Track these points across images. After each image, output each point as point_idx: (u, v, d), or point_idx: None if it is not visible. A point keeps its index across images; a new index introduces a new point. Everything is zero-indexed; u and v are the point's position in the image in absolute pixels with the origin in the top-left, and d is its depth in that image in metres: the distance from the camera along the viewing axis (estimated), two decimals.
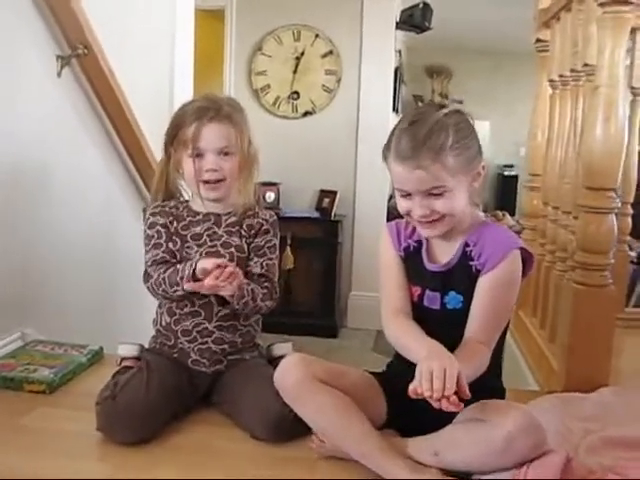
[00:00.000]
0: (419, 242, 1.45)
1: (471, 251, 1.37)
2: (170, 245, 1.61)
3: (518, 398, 1.56)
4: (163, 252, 1.60)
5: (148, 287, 1.58)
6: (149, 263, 1.60)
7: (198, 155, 1.56)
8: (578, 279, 1.78)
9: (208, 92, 1.70)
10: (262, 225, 1.65)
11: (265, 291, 1.59)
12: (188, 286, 1.48)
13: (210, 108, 1.56)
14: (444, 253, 1.42)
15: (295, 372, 1.35)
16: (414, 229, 1.46)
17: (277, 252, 1.68)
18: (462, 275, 1.37)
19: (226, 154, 1.58)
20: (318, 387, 1.33)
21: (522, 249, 1.36)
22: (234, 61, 4.50)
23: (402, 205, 1.36)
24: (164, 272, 1.54)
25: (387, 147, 1.34)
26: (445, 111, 1.33)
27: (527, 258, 1.38)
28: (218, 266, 1.45)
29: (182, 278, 1.49)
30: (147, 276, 1.59)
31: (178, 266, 1.53)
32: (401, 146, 1.30)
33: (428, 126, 1.29)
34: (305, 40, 4.39)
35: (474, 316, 1.34)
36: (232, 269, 1.44)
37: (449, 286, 1.39)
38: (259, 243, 1.63)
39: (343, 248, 4.42)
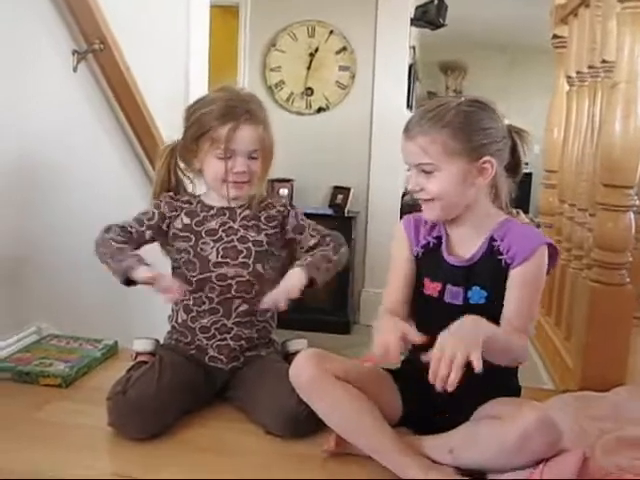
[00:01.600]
0: (439, 238, 1.44)
1: (499, 245, 1.36)
2: (148, 234, 1.61)
3: (533, 396, 1.54)
4: (135, 230, 1.60)
5: (97, 239, 1.58)
6: (118, 222, 1.60)
7: (229, 156, 1.55)
8: (595, 277, 1.76)
9: (227, 85, 1.68)
10: (282, 212, 1.65)
11: (331, 245, 1.60)
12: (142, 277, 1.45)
13: (243, 108, 1.55)
14: (466, 247, 1.40)
15: (309, 367, 1.34)
16: (433, 224, 1.46)
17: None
18: (488, 270, 1.36)
19: (254, 156, 1.58)
20: (332, 382, 1.33)
21: (549, 245, 1.36)
22: (248, 57, 4.50)
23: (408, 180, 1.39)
24: (117, 242, 1.54)
25: None
26: (462, 99, 1.35)
27: (552, 254, 1.38)
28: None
29: (118, 271, 1.48)
30: (105, 229, 1.59)
31: (129, 252, 1.52)
32: (410, 118, 1.36)
33: (436, 105, 1.34)
34: (319, 36, 4.38)
35: (509, 308, 1.34)
36: (165, 285, 1.43)
37: (473, 281, 1.38)
38: (294, 224, 1.65)
39: (356, 244, 4.41)
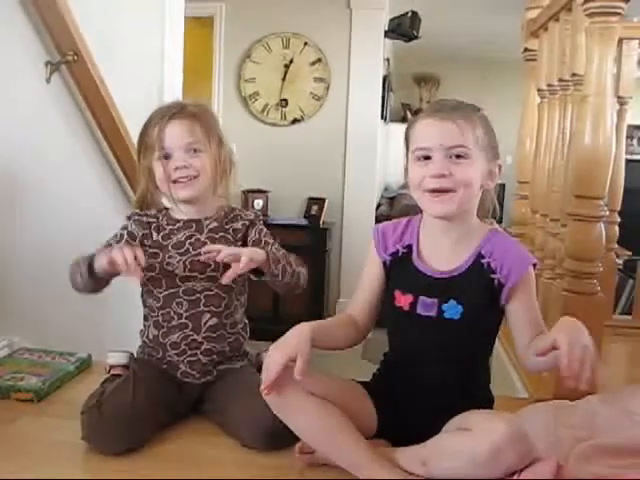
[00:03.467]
0: (409, 247, 1.42)
1: (488, 263, 1.33)
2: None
3: (507, 406, 1.55)
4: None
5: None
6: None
7: (166, 156, 1.53)
8: (567, 287, 1.79)
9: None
10: (246, 223, 1.61)
11: (294, 260, 1.57)
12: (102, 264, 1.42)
13: (172, 107, 1.54)
14: (445, 259, 1.37)
15: (281, 384, 1.34)
16: (403, 232, 1.43)
17: (272, 237, 1.63)
18: (472, 285, 1.34)
19: (195, 151, 1.53)
20: (305, 398, 1.31)
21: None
22: (223, 68, 4.52)
23: (415, 174, 1.33)
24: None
25: (415, 117, 1.38)
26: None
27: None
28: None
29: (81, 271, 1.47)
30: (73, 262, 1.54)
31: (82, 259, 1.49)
32: (433, 106, 1.36)
33: (460, 101, 1.35)
34: (294, 48, 4.41)
35: (534, 319, 1.34)
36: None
37: (450, 294, 1.34)
38: (254, 237, 1.59)
39: (331, 255, 4.43)
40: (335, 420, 1.31)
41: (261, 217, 1.68)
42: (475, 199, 1.35)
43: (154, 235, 1.58)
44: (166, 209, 1.64)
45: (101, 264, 1.43)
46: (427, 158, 1.31)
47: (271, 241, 1.61)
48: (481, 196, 1.38)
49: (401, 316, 1.40)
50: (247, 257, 1.41)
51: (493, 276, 1.32)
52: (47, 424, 1.55)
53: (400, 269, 1.42)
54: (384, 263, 1.44)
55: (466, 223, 1.36)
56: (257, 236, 1.60)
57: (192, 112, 1.55)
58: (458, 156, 1.29)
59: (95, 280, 1.49)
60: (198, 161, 1.54)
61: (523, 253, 1.36)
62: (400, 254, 1.42)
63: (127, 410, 1.41)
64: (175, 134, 1.52)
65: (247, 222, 1.62)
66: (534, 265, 1.36)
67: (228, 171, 1.61)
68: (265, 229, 1.64)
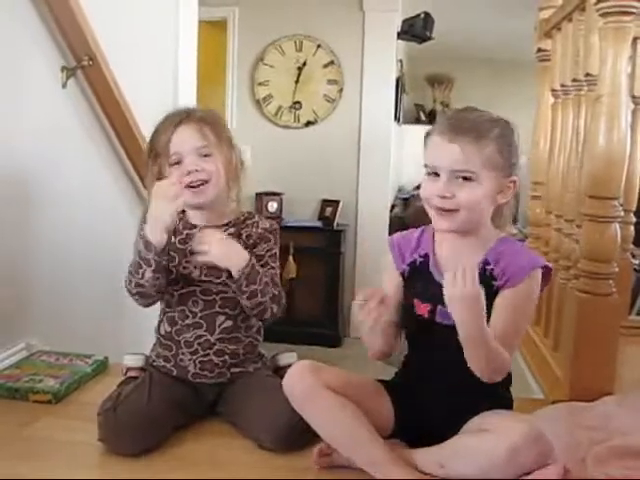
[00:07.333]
0: (426, 256, 1.42)
1: (492, 270, 1.32)
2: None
3: (523, 407, 1.55)
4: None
5: (126, 287, 1.52)
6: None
7: (178, 162, 1.51)
8: (582, 287, 1.78)
9: None
10: (261, 234, 1.59)
11: (273, 294, 1.53)
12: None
13: (179, 113, 1.54)
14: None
15: (304, 378, 1.34)
16: (418, 242, 1.44)
17: (278, 262, 1.63)
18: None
19: (206, 155, 1.52)
20: (326, 394, 1.33)
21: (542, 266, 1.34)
22: (236, 71, 4.53)
23: (426, 188, 1.34)
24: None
25: (432, 127, 1.36)
26: (496, 115, 1.36)
27: (545, 273, 1.35)
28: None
29: (145, 241, 1.46)
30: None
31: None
32: (447, 120, 1.33)
33: (478, 113, 1.33)
34: (307, 50, 4.41)
35: (496, 328, 1.28)
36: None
37: None
38: (260, 252, 1.57)
39: (345, 257, 4.42)
40: (354, 417, 1.32)
41: (277, 227, 1.65)
42: (483, 214, 1.35)
43: (172, 238, 1.55)
44: (183, 212, 1.60)
45: (150, 232, 1.45)
46: (437, 174, 1.32)
47: (272, 265, 1.59)
48: (502, 207, 1.38)
49: (422, 324, 1.40)
50: (216, 255, 1.45)
51: (494, 283, 1.32)
52: (64, 425, 1.57)
53: (418, 278, 1.42)
54: (402, 273, 1.45)
55: (478, 234, 1.37)
56: (262, 253, 1.58)
57: (200, 116, 1.54)
58: (465, 178, 1.29)
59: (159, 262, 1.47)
60: (210, 165, 1.52)
61: (526, 259, 1.34)
62: (418, 263, 1.43)
63: (143, 412, 1.42)
64: (185, 137, 1.51)
65: (262, 232, 1.60)
66: (546, 270, 1.35)
67: (240, 174, 1.60)
68: (275, 249, 1.61)
